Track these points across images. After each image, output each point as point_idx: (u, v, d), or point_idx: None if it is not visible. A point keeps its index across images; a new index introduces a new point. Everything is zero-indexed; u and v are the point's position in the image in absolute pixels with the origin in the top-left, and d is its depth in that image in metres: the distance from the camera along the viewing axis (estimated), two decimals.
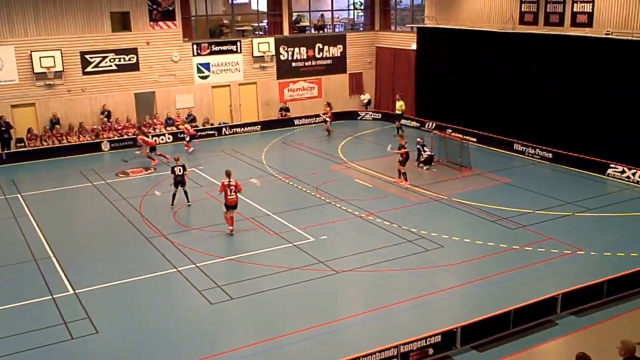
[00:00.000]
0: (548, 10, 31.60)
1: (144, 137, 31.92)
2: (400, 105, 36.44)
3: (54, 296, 17.91)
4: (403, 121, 37.28)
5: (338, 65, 42.89)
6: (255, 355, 14.83)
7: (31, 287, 18.55)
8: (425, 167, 29.22)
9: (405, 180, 27.07)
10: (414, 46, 39.32)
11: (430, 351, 14.48)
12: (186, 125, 35.30)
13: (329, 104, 37.33)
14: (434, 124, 36.57)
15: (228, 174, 22.12)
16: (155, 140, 33.17)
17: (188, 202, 25.13)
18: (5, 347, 15.42)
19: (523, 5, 32.89)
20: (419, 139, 30.14)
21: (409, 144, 27.39)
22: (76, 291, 18.15)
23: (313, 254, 20.28)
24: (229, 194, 21.83)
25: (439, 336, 14.54)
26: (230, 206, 22.05)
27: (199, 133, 36.81)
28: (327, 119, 37.41)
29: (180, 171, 24.77)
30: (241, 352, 14.95)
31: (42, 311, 17.14)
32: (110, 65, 36.16)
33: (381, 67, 43.30)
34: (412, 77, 39.76)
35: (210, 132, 37.85)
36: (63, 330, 16.14)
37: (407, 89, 40.09)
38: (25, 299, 17.76)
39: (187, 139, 34.31)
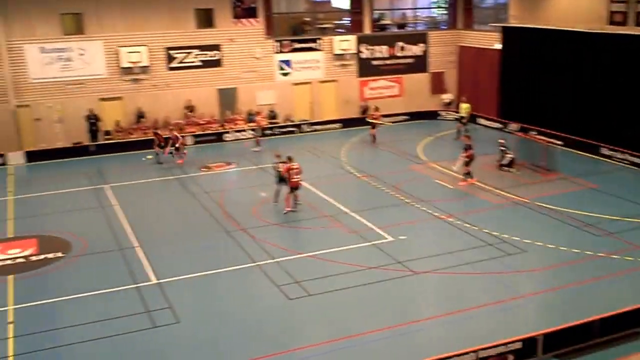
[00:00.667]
0: (639, 9, 30.53)
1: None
2: (465, 107, 35.87)
3: (138, 285, 18.36)
4: (483, 122, 36.74)
5: (419, 64, 42.56)
6: (330, 353, 14.82)
7: (116, 275, 19.07)
8: (507, 170, 28.63)
9: (470, 179, 26.82)
10: (497, 45, 38.63)
11: (510, 358, 14.14)
12: (257, 118, 35.34)
13: (377, 108, 36.78)
14: (518, 126, 35.83)
15: (290, 159, 23.43)
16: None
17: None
18: (89, 333, 15.88)
19: (612, 4, 31.89)
20: (500, 141, 29.58)
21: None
22: (159, 281, 18.57)
23: (391, 253, 20.11)
24: (293, 176, 22.88)
25: (520, 343, 14.20)
26: (294, 188, 23.23)
27: (280, 130, 37.17)
28: (375, 123, 35.55)
29: (280, 168, 24.55)
30: (316, 349, 14.97)
31: (126, 299, 17.58)
32: (194, 61, 36.88)
33: (463, 67, 42.73)
34: (496, 77, 39.07)
35: (291, 128, 38.12)
36: (146, 318, 16.51)
37: (489, 89, 39.51)
38: (110, 287, 18.28)
39: (257, 132, 34.46)
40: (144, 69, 35.84)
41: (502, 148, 29.14)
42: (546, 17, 35.56)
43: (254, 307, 17.15)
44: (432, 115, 41.46)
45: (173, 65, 36.52)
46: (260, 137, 34.51)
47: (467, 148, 26.92)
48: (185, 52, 36.59)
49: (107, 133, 35.53)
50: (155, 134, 32.09)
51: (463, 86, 42.57)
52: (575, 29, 32.95)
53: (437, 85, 43.04)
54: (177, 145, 31.30)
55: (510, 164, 28.83)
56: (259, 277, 18.83)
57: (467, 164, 26.88)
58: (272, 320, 16.39)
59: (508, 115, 37.82)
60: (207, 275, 19.05)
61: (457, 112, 36.37)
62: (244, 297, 17.80)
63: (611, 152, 30.62)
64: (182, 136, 32.55)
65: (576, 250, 20.07)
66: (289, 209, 23.42)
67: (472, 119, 38.88)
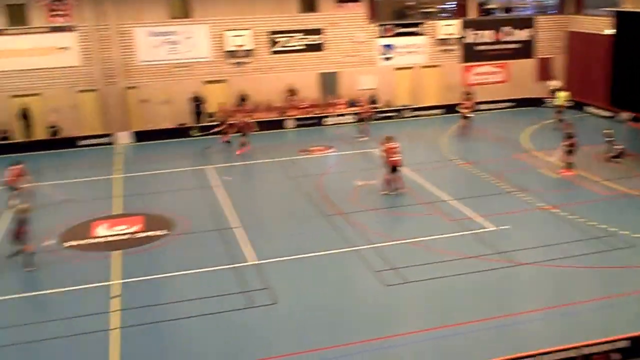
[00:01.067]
0: None
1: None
2: (563, 96, 34.79)
3: (237, 265, 18.65)
4: (592, 110, 35.42)
5: (525, 49, 41.36)
6: (425, 342, 14.65)
7: (217, 254, 19.45)
8: (617, 162, 27.41)
9: (570, 169, 25.88)
10: (608, 31, 37.04)
11: (616, 356, 13.53)
12: (362, 105, 34.77)
13: (469, 94, 35.82)
14: (630, 115, 34.29)
15: (390, 138, 23.66)
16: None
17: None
18: (189, 309, 16.25)
19: None
20: (606, 131, 28.38)
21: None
22: (258, 262, 18.79)
23: (492, 243, 19.62)
24: (393, 156, 23.12)
25: (628, 341, 13.54)
26: (396, 167, 23.52)
27: (380, 114, 36.97)
28: (467, 112, 34.13)
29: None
30: (411, 336, 14.81)
31: (225, 278, 17.87)
32: (297, 45, 37.09)
33: (572, 53, 41.18)
34: (606, 64, 37.49)
35: (392, 113, 37.81)
36: (244, 298, 16.73)
37: (599, 77, 37.94)
38: (210, 266, 18.64)
39: (362, 120, 33.96)
40: (248, 53, 36.33)
41: (609, 139, 27.97)
42: None
43: (350, 292, 17.11)
44: (537, 102, 40.22)
45: (276, 49, 36.86)
46: (365, 124, 33.83)
47: (569, 136, 25.97)
48: (288, 36, 36.86)
49: (211, 115, 36.20)
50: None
51: (571, 73, 41.13)
52: None
53: (544, 71, 41.67)
54: (244, 132, 31.06)
55: (620, 155, 27.63)
56: (356, 262, 18.76)
57: (569, 152, 25.95)
58: (367, 307, 16.28)
59: (619, 103, 36.23)
60: (304, 258, 19.13)
61: (555, 101, 35.25)
62: (340, 281, 17.77)
63: None
64: (247, 124, 31.84)
65: None
66: (386, 191, 23.44)
67: (579, 107, 37.69)
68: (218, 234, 21.07)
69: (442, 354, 14.15)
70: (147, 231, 21.60)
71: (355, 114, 35.73)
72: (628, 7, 35.89)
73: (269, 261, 18.83)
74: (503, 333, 14.94)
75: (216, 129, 31.99)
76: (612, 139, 28.00)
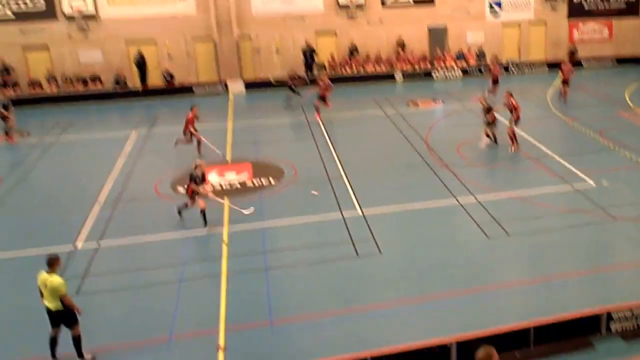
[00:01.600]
0: None
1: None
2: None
3: (344, 215, 18.76)
4: None
5: (632, 7, 40.53)
6: (525, 293, 14.77)
7: (323, 204, 19.53)
8: None
9: None
10: None
11: None
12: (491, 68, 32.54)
13: (573, 53, 34.74)
14: None
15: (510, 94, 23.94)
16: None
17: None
18: (296, 257, 16.52)
19: None
20: None
21: None
22: (364, 212, 18.89)
23: (594, 199, 19.56)
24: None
25: None
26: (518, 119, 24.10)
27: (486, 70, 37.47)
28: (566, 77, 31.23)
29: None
30: (513, 288, 14.96)
31: (332, 228, 17.99)
32: (407, 0, 37.58)
33: None
34: None
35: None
36: (350, 247, 16.87)
37: None
38: (317, 215, 18.84)
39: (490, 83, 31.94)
40: (360, 6, 37.03)
41: None
42: None
43: (453, 244, 17.15)
44: None
45: (387, 3, 37.42)
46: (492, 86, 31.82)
47: None
48: None
49: (322, 66, 36.90)
50: (293, 78, 32.12)
51: None
52: None
53: None
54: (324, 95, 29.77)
55: None
56: (459, 214, 18.82)
57: None
58: (470, 258, 16.33)
59: None
60: (409, 209, 19.14)
61: None
62: (443, 232, 17.84)
63: None
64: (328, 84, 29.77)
65: None
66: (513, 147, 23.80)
67: None
68: (326, 184, 21.10)
69: (540, 305, 14.12)
70: (256, 178, 21.82)
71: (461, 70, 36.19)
72: None
73: (373, 212, 18.84)
74: (601, 286, 14.98)
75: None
76: None
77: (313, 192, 16.56)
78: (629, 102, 31.15)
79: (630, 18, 40.88)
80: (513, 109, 23.79)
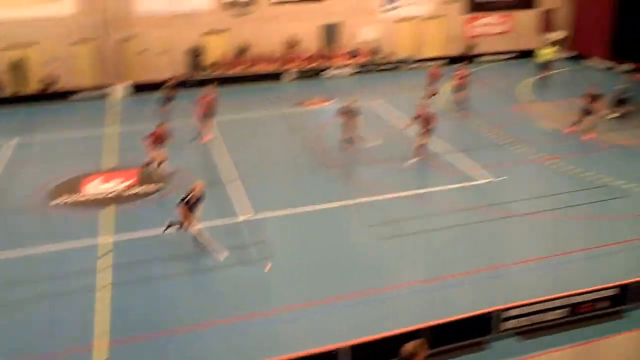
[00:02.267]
0: None
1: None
2: (547, 52, 33.90)
3: (233, 219, 18.66)
4: (593, 62, 35.33)
5: (529, 0, 41.28)
6: (419, 292, 14.92)
7: (214, 208, 19.20)
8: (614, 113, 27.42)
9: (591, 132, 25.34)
10: None
11: (603, 304, 13.93)
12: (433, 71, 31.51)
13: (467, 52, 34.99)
14: (632, 66, 34.45)
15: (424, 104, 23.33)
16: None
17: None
18: (179, 266, 16.27)
19: None
20: (619, 88, 27.98)
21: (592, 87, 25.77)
22: (254, 215, 18.80)
23: (489, 195, 19.99)
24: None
25: (617, 289, 13.93)
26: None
27: (380, 67, 37.16)
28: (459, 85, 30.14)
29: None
30: (406, 288, 15.05)
31: (223, 232, 17.81)
32: None
33: (576, 3, 41.08)
34: (611, 14, 37.47)
35: (393, 65, 37.92)
36: (241, 252, 16.74)
37: (603, 28, 38.00)
38: (208, 220, 18.18)
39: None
40: (249, 2, 36.20)
41: (622, 97, 27.55)
42: None
43: (347, 245, 17.24)
44: None
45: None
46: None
47: (594, 98, 25.23)
48: None
49: (210, 66, 36.20)
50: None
51: (574, 24, 41.14)
52: None
53: (547, 22, 41.62)
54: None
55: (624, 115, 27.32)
56: (352, 215, 18.93)
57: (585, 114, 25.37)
58: (364, 259, 16.46)
59: (622, 54, 36.39)
60: (301, 211, 19.20)
61: (542, 57, 34.21)
62: (337, 234, 17.91)
63: None
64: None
65: None
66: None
67: (582, 58, 37.76)
68: (216, 187, 20.97)
69: (435, 305, 14.35)
70: (142, 185, 21.43)
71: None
72: None
73: (265, 215, 18.88)
74: (495, 283, 15.27)
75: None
76: (622, 95, 27.58)
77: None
78: (523, 96, 31.88)
79: (527, 11, 41.56)
80: (425, 120, 23.01)
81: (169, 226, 16.88)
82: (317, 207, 19.52)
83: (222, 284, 15.52)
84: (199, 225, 16.56)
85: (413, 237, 17.50)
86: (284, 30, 37.19)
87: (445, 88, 31.45)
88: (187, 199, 16.31)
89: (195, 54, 35.79)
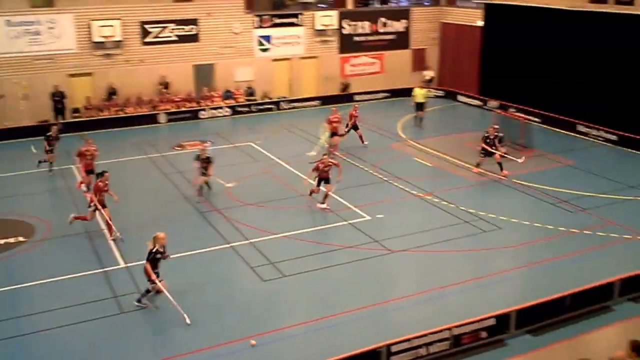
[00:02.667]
0: None
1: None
2: (422, 93, 34.06)
3: (107, 269, 18.26)
4: (463, 99, 37.00)
5: (401, 40, 42.88)
6: (306, 334, 15.08)
7: (83, 259, 18.90)
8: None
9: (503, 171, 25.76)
10: (479, 23, 39.01)
11: (484, 334, 14.60)
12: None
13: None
14: (498, 103, 36.34)
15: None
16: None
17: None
18: (55, 320, 15.77)
19: None
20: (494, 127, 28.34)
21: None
22: (128, 264, 18.46)
23: (369, 232, 20.48)
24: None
25: (494, 319, 14.65)
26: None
27: (257, 107, 37.51)
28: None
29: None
30: (292, 330, 15.19)
31: (94, 284, 17.47)
32: (170, 36, 36.80)
33: (445, 44, 43.09)
34: (477, 54, 39.50)
35: (269, 106, 38.32)
36: (114, 303, 16.48)
37: (470, 66, 39.99)
38: (76, 272, 18.11)
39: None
40: (117, 44, 35.63)
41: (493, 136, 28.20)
42: None
43: (227, 290, 17.27)
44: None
45: (148, 40, 36.42)
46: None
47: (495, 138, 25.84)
48: (161, 27, 36.48)
49: (76, 111, 35.35)
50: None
51: (444, 63, 43.12)
52: (556, 6, 33.45)
53: (419, 62, 43.36)
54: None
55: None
56: (233, 258, 18.95)
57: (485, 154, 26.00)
58: (246, 303, 16.48)
59: (488, 92, 38.35)
60: (179, 257, 18.76)
61: (415, 98, 34.20)
62: (216, 279, 17.87)
63: (587, 129, 31.50)
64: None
65: (550, 227, 20.74)
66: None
67: (452, 96, 39.53)
68: (84, 237, 20.44)
69: (322, 344, 14.50)
70: (2, 239, 20.46)
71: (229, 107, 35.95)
72: (497, 0, 37.90)
73: (141, 263, 17.98)
74: (380, 320, 15.70)
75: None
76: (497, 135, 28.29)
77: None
78: (400, 133, 32.85)
79: (400, 50, 43.03)
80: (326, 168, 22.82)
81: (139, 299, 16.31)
82: (196, 251, 19.40)
83: (106, 333, 15.20)
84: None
85: (296, 278, 17.70)
86: (156, 71, 36.89)
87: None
88: (150, 254, 15.91)
89: (60, 98, 34.53)
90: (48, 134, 27.20)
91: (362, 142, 30.02)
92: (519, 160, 26.12)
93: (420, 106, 34.00)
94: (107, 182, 20.74)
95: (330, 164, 22.65)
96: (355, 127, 30.28)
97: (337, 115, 28.96)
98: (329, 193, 22.58)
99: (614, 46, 30.61)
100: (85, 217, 20.60)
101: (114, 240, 20.10)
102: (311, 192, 23.12)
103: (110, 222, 20.30)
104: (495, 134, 26.17)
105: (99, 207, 20.31)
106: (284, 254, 19.06)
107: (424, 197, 23.61)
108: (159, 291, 16.01)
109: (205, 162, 23.74)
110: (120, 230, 20.42)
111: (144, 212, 22.99)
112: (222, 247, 19.70)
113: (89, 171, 24.24)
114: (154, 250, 15.93)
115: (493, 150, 25.69)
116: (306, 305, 16.48)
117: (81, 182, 24.13)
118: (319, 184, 22.76)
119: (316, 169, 22.65)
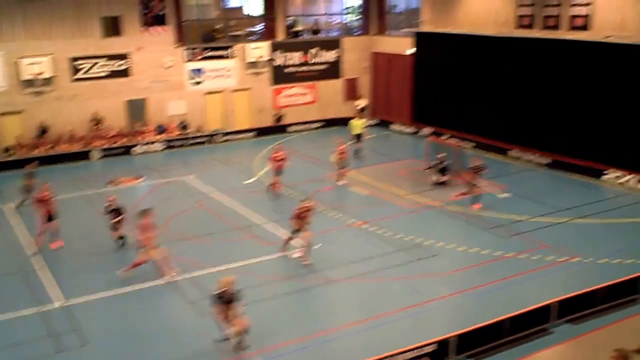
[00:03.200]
0: (545, 14, 31.96)
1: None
2: (359, 124, 33.98)
3: (41, 308, 17.87)
4: (396, 127, 37.47)
5: (333, 70, 43.24)
6: None
7: (16, 298, 18.51)
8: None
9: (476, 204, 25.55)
10: (409, 51, 39.62)
11: None
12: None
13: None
14: (431, 130, 36.87)
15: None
16: None
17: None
18: None
19: (520, 8, 33.25)
20: (440, 156, 29.07)
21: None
22: (64, 303, 18.13)
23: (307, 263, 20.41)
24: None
25: (434, 345, 14.72)
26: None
27: (191, 140, 37.27)
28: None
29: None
30: None
31: (28, 323, 17.08)
32: (101, 72, 36.36)
33: (377, 73, 43.65)
34: (408, 82, 40.08)
35: (203, 139, 38.09)
36: (50, 342, 16.12)
37: (402, 94, 40.59)
38: (9, 311, 17.71)
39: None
40: (47, 81, 35.02)
41: (439, 165, 28.72)
42: (457, 22, 36.76)
43: (165, 326, 17.03)
44: (346, 121, 41.60)
45: (78, 76, 35.89)
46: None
47: (475, 171, 25.72)
48: (91, 62, 36.03)
49: (7, 150, 34.59)
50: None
51: (376, 92, 43.64)
52: (483, 33, 34.24)
53: (351, 91, 43.80)
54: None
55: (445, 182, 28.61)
56: (170, 294, 18.70)
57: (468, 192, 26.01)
58: (184, 339, 16.29)
59: (420, 119, 38.91)
60: (116, 294, 18.68)
61: (353, 130, 34.02)
62: (155, 315, 17.62)
63: (519, 154, 32.15)
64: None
65: (486, 252, 21.02)
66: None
67: (385, 124, 39.88)
68: (17, 276, 20.06)
69: None
70: None
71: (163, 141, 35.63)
72: (426, 29, 38.61)
73: (77, 301, 18.24)
74: (320, 350, 15.63)
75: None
76: (443, 164, 28.71)
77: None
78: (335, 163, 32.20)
79: (333, 80, 43.42)
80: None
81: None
82: (133, 288, 19.06)
83: None
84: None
85: None
86: (88, 107, 36.27)
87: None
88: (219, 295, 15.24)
89: None
90: None
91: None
92: (500, 196, 26.44)
93: (358, 137, 33.90)
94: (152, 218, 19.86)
95: (306, 208, 20.64)
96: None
97: (280, 152, 27.82)
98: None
99: (542, 70, 31.47)
100: (140, 262, 19.58)
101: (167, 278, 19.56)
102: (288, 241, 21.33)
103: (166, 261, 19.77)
104: (443, 162, 26.39)
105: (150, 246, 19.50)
106: None
107: (361, 226, 23.70)
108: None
109: (115, 215, 21.95)
110: (53, 268, 20.25)
111: (77, 249, 22.30)
112: (159, 283, 19.29)
113: (51, 217, 22.48)
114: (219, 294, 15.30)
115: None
116: (246, 338, 15.96)
117: (41, 233, 22.40)
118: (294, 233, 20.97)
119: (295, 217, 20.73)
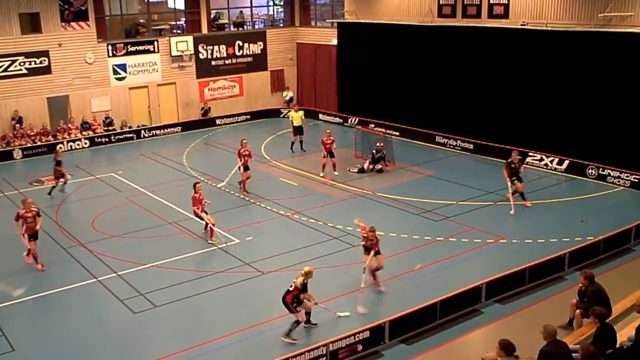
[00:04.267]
0: (465, 2, 32.31)
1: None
2: (299, 115, 32.81)
3: None
4: (323, 117, 37.53)
5: (259, 62, 42.91)
6: None
7: None
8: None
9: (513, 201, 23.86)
10: (334, 41, 39.65)
11: (360, 347, 14.71)
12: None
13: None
14: (357, 119, 37.01)
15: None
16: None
17: None
18: None
19: None
20: (379, 145, 29.15)
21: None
22: None
23: (238, 256, 20.27)
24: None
25: (367, 332, 14.78)
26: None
27: (117, 137, 36.51)
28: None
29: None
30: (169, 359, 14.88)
31: None
32: (20, 69, 35.19)
33: (302, 64, 43.52)
34: (334, 72, 40.13)
35: (129, 135, 37.35)
36: None
37: (328, 85, 40.62)
38: None
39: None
40: None
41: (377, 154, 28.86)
42: (380, 12, 36.91)
43: (97, 326, 16.66)
44: (274, 113, 42.00)
45: None
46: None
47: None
48: (10, 60, 34.86)
49: None
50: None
51: (303, 83, 43.52)
52: (406, 22, 34.49)
53: (278, 83, 43.59)
54: None
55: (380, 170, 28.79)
56: (100, 293, 18.31)
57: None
58: (117, 337, 16.03)
59: (347, 109, 39.02)
60: (43, 296, 18.20)
61: (294, 122, 32.91)
62: (85, 315, 17.20)
63: (445, 140, 32.55)
64: None
65: (416, 237, 21.20)
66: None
67: (314, 115, 39.84)
68: None
69: None
70: None
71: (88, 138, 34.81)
72: (349, 19, 38.69)
73: (3, 305, 17.69)
74: (257, 342, 15.53)
75: None
76: (380, 153, 28.86)
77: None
78: (264, 154, 32.85)
79: (258, 72, 43.08)
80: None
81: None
82: (62, 289, 18.58)
83: None
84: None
85: (168, 307, 17.26)
86: (8, 106, 35.12)
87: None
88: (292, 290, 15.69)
89: None
90: None
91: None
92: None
93: (298, 130, 32.73)
94: (200, 191, 21.84)
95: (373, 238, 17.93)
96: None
97: (247, 148, 26.83)
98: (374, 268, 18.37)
99: (464, 58, 31.87)
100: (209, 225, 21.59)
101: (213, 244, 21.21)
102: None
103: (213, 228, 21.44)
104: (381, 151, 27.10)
105: (202, 215, 21.65)
106: (154, 284, 18.54)
107: (292, 216, 23.61)
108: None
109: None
110: None
111: (2, 250, 21.61)
112: (89, 282, 18.91)
113: (32, 236, 20.23)
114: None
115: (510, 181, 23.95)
116: (180, 333, 15.99)
117: (28, 255, 20.66)
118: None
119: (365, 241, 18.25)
